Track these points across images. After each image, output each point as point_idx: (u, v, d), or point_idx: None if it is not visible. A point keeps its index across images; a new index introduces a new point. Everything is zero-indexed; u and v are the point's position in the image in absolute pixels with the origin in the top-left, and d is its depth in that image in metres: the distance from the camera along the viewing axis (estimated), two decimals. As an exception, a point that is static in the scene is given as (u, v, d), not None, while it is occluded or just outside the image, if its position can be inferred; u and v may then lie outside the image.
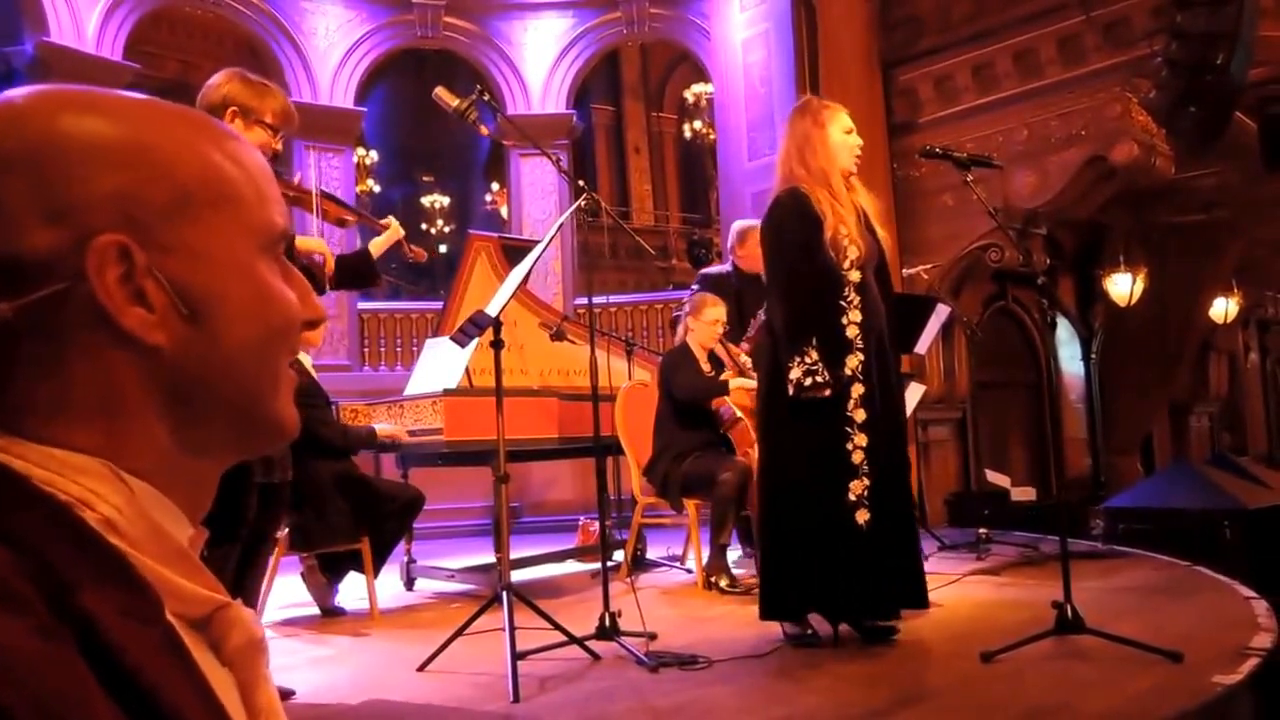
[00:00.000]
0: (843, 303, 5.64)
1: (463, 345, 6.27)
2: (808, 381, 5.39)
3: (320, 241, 5.10)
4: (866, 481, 5.55)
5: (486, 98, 6.09)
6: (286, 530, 6.92)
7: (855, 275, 5.67)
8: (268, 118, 4.94)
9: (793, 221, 5.69)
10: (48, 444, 0.88)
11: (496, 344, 5.67)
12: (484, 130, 6.42)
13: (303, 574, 7.37)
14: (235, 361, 0.98)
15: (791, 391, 5.44)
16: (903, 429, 6.15)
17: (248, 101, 4.92)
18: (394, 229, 5.70)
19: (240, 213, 1.00)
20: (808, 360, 5.43)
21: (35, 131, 0.90)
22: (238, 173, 1.01)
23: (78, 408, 0.91)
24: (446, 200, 25.68)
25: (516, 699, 4.76)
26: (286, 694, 5.01)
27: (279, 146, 5.11)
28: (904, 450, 6.13)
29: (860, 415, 5.58)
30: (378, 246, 5.59)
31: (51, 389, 0.90)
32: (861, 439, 5.56)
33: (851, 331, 5.62)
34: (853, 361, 5.58)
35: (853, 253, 5.67)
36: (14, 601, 0.75)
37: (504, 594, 5.40)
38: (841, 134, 5.88)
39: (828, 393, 5.43)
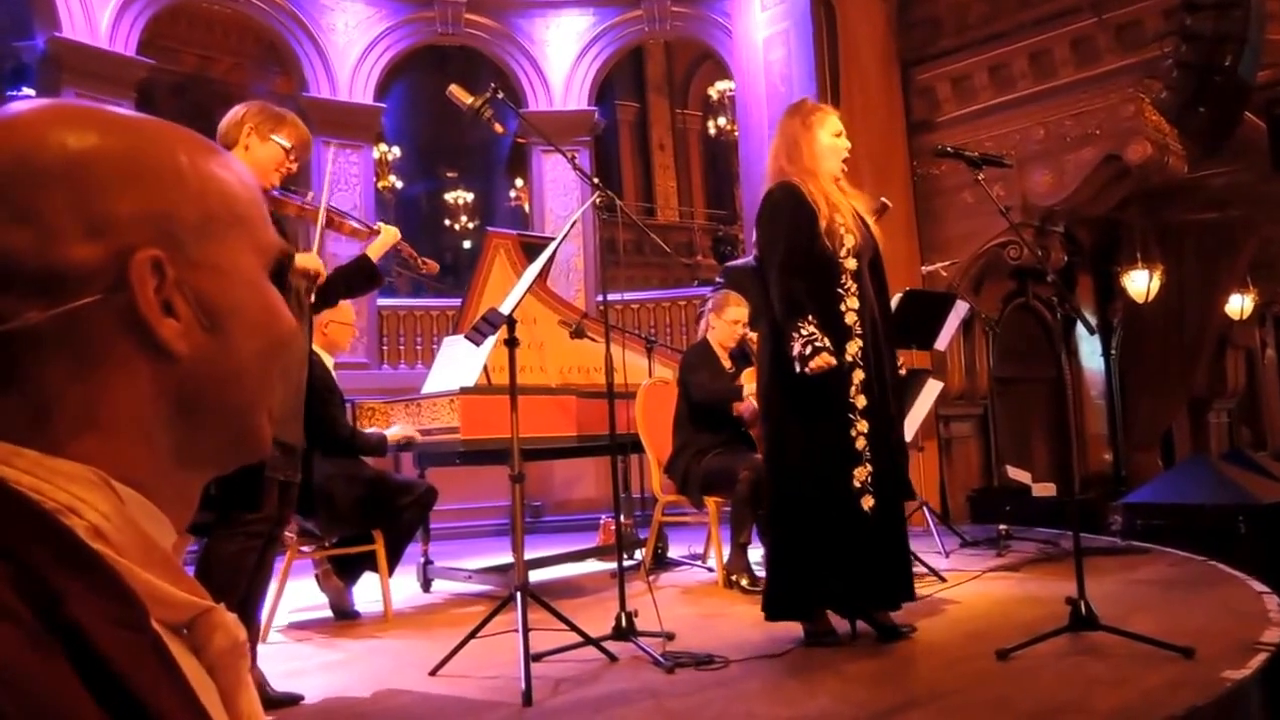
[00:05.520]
0: (840, 290, 5.65)
1: (477, 344, 6.28)
2: (808, 351, 5.37)
3: (317, 260, 5.15)
4: (870, 468, 5.57)
5: (501, 95, 6.10)
6: (296, 532, 6.95)
7: (852, 263, 5.69)
8: (282, 135, 5.06)
9: (787, 211, 5.70)
10: (57, 451, 0.89)
11: (510, 342, 5.67)
12: (499, 128, 6.42)
13: (318, 577, 7.36)
14: (243, 372, 1.02)
15: (797, 368, 5.43)
16: (899, 416, 6.17)
17: (264, 122, 5.07)
18: (387, 233, 5.74)
19: (251, 231, 1.04)
20: (804, 332, 5.42)
21: (71, 146, 0.92)
22: (246, 194, 1.05)
23: (90, 416, 0.92)
24: (470, 197, 25.60)
25: (529, 702, 4.74)
26: (294, 699, 5.03)
27: (294, 168, 5.21)
28: (900, 438, 6.16)
29: (861, 401, 5.59)
30: (375, 251, 5.64)
31: (70, 397, 0.91)
32: (863, 425, 5.58)
33: (850, 318, 5.64)
34: (853, 348, 5.60)
35: (849, 241, 5.69)
36: (3, 611, 0.76)
37: (518, 595, 5.40)
38: (830, 137, 5.89)
39: (832, 360, 5.42)
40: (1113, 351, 15.43)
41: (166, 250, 0.94)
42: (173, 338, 0.94)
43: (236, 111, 5.12)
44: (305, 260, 5.07)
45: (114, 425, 0.93)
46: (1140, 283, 14.45)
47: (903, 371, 6.43)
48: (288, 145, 5.07)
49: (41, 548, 0.81)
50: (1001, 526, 9.35)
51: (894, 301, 7.88)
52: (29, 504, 0.85)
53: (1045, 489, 10.66)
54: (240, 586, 4.84)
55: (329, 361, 7.38)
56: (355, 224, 5.79)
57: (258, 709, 1.01)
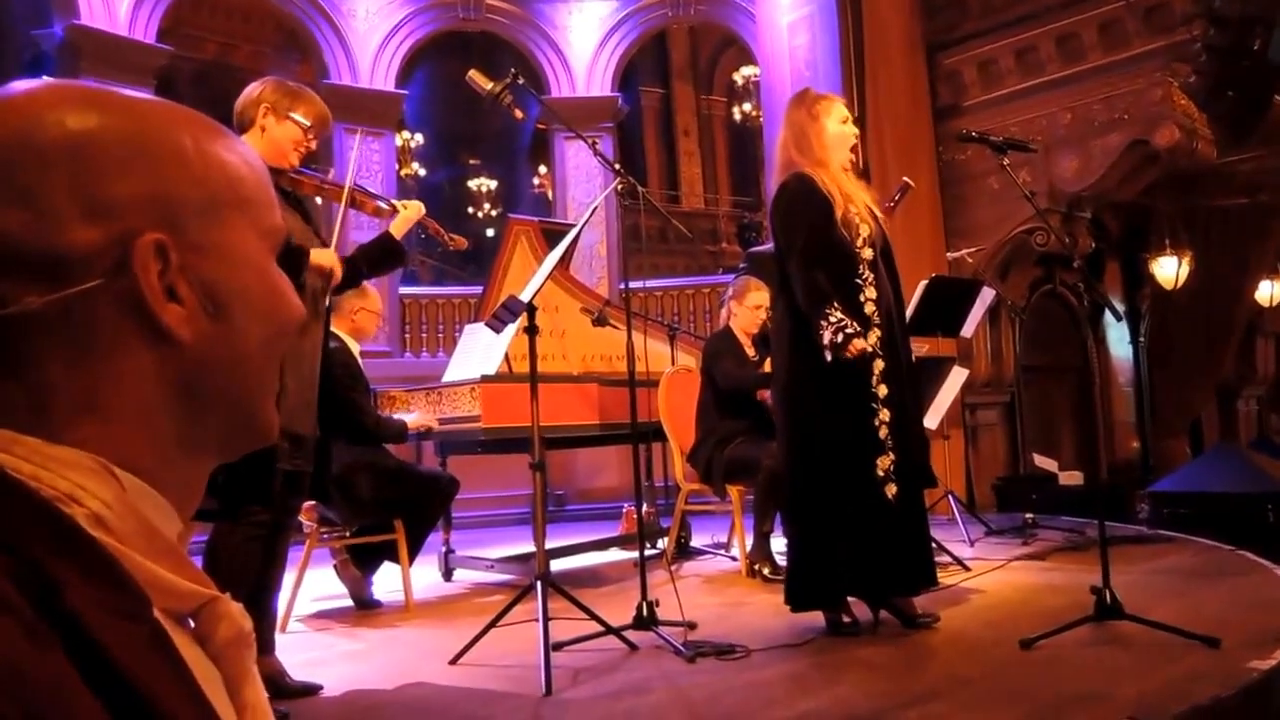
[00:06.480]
0: (859, 280, 5.63)
1: (497, 331, 6.24)
2: (840, 338, 5.34)
3: (333, 256, 5.11)
4: (893, 456, 5.56)
5: (521, 81, 6.06)
6: (316, 521, 6.94)
7: (868, 253, 5.68)
8: (299, 113, 5.03)
9: (803, 202, 5.67)
10: (57, 438, 0.88)
11: (531, 330, 5.65)
12: (518, 114, 6.38)
13: (336, 567, 7.34)
14: (247, 359, 1.01)
15: (829, 356, 5.38)
16: (918, 405, 6.15)
17: (280, 100, 5.03)
18: (413, 208, 5.68)
19: (255, 214, 1.03)
20: (832, 319, 5.38)
21: (72, 127, 0.91)
22: (251, 176, 1.04)
23: (91, 402, 0.91)
24: (493, 184, 25.65)
25: (548, 691, 4.73)
26: (313, 689, 5.02)
27: (313, 146, 5.17)
28: (920, 426, 6.15)
29: (883, 390, 5.58)
30: (398, 228, 5.58)
31: (70, 383, 0.90)
32: (886, 414, 5.57)
33: (869, 308, 5.62)
34: (873, 337, 5.57)
35: (864, 230, 5.68)
36: (1, 603, 0.74)
37: (538, 584, 5.38)
38: (837, 125, 5.87)
39: (867, 345, 5.42)
40: (1141, 338, 15.34)
41: (169, 234, 0.93)
42: (176, 323, 0.93)
43: (252, 90, 5.08)
44: (320, 257, 5.03)
45: (116, 412, 0.92)
46: (1169, 269, 14.37)
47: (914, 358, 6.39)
48: (306, 123, 5.04)
49: (40, 537, 0.80)
50: (1027, 515, 9.31)
51: (919, 288, 7.85)
52: (28, 492, 0.83)
53: (1072, 477, 10.63)
54: (248, 576, 4.82)
55: (355, 349, 7.37)
56: (379, 202, 5.73)
57: (263, 699, 0.99)
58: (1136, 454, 15.25)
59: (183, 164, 0.96)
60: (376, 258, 5.62)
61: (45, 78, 1.02)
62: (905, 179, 7.45)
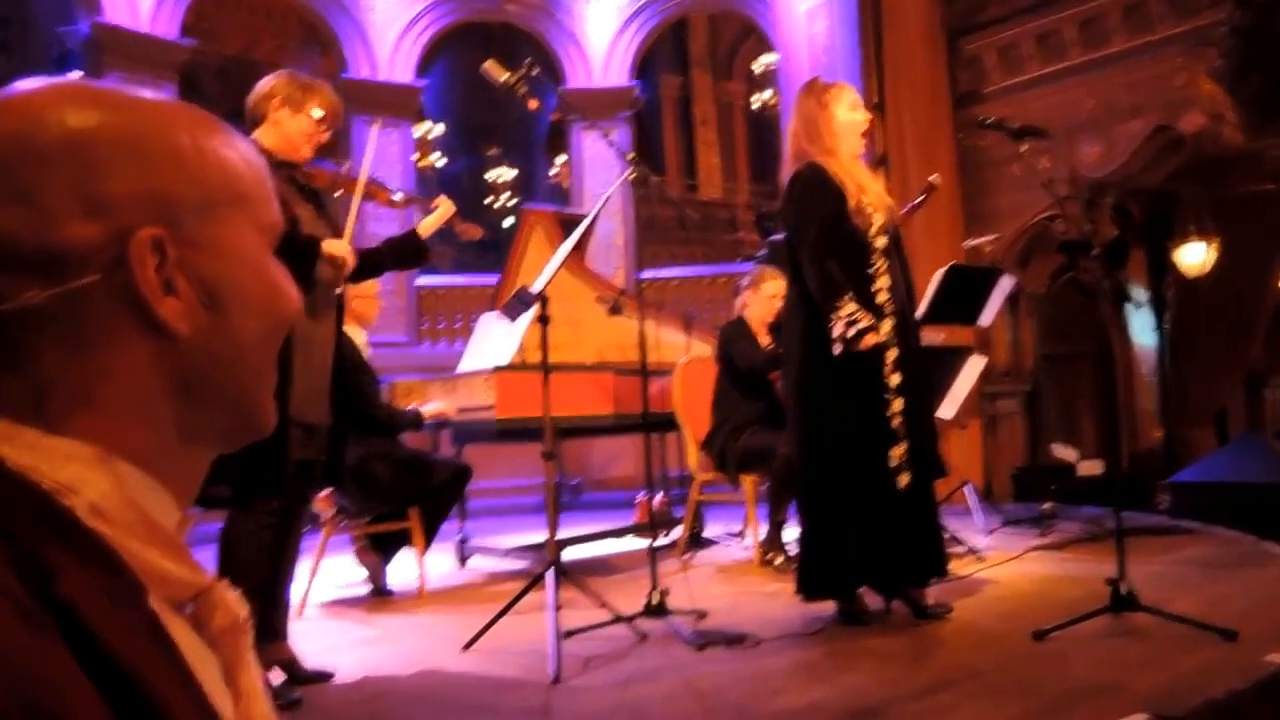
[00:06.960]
0: (871, 269, 5.62)
1: (511, 320, 6.24)
2: (851, 333, 5.33)
3: (345, 246, 5.08)
4: (905, 445, 5.54)
5: (536, 71, 6.03)
6: (333, 511, 6.95)
7: (881, 241, 5.67)
8: (311, 106, 5.05)
9: (816, 192, 5.66)
10: (56, 430, 0.90)
11: (543, 320, 5.66)
12: (533, 104, 6.36)
13: (356, 553, 7.39)
14: (245, 352, 1.03)
15: (840, 349, 5.37)
16: (928, 394, 6.13)
17: (293, 94, 5.06)
18: (444, 208, 5.67)
19: (253, 210, 1.05)
20: (844, 312, 5.37)
21: (71, 126, 0.93)
22: (249, 172, 1.06)
23: (90, 394, 0.93)
24: (512, 174, 25.71)
25: (557, 679, 4.74)
26: (325, 676, 5.03)
27: (326, 138, 5.19)
28: (931, 415, 6.13)
29: (895, 379, 5.56)
30: (427, 227, 5.56)
31: (68, 376, 0.92)
32: (899, 403, 5.55)
33: (882, 297, 5.60)
34: (885, 326, 5.54)
35: (878, 219, 5.66)
36: None
37: (549, 572, 5.40)
38: (847, 112, 5.88)
39: (875, 337, 5.38)
40: (1165, 326, 15.25)
41: (167, 230, 0.95)
42: (173, 317, 0.95)
43: (264, 84, 5.11)
44: (333, 247, 5.02)
45: (114, 404, 0.94)
46: (1194, 256, 14.27)
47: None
48: (319, 116, 5.06)
49: (37, 526, 0.83)
50: (1045, 505, 9.25)
51: (937, 276, 7.80)
52: (25, 483, 0.86)
53: (1091, 467, 10.56)
54: (260, 564, 4.82)
55: (360, 338, 7.36)
56: (395, 194, 5.71)
57: (259, 686, 1.02)
58: (1159, 444, 15.17)
59: (180, 162, 0.98)
60: (400, 253, 5.62)
61: (76, 72, 1.04)
62: (931, 178, 7.40)
